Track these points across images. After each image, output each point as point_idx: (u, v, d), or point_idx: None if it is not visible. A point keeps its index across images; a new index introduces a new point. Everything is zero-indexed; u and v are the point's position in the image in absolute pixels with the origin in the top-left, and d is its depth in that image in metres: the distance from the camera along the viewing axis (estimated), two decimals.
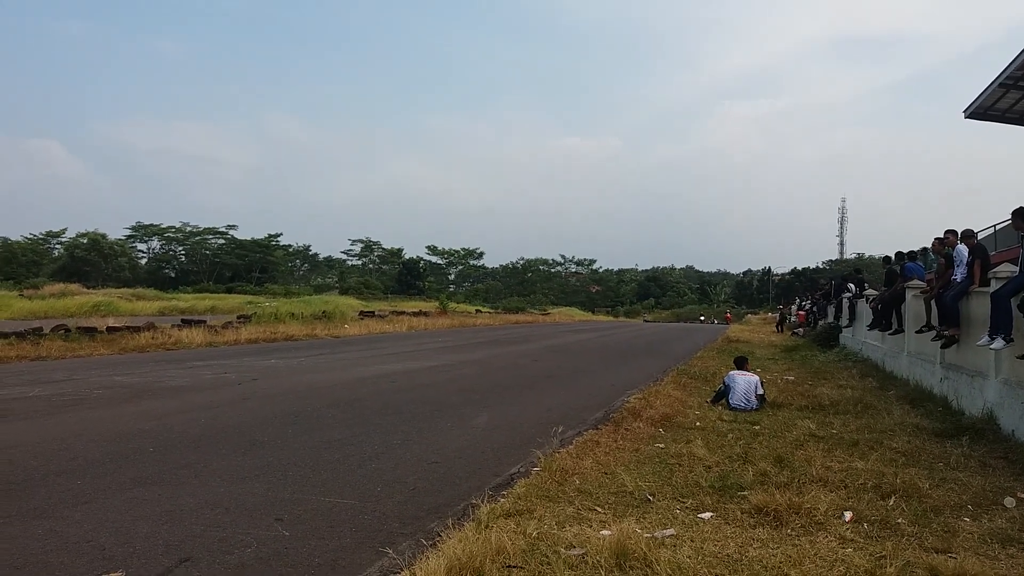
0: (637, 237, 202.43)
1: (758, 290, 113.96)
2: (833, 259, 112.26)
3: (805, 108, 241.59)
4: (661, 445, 7.64)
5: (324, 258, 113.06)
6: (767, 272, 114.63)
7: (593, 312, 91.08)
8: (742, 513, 5.19)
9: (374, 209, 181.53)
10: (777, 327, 42.31)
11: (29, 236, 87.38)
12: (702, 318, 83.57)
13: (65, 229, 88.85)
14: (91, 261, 77.32)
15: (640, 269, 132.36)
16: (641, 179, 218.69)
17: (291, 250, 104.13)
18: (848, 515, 5.12)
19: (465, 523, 4.86)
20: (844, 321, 23.91)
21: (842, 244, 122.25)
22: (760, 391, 10.47)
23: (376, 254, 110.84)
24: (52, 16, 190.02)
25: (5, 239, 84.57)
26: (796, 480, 6.09)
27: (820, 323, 30.92)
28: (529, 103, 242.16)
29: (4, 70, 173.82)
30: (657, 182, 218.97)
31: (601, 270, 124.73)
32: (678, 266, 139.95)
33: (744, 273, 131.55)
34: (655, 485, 6.00)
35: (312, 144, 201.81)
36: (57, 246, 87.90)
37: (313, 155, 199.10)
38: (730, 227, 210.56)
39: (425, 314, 43.36)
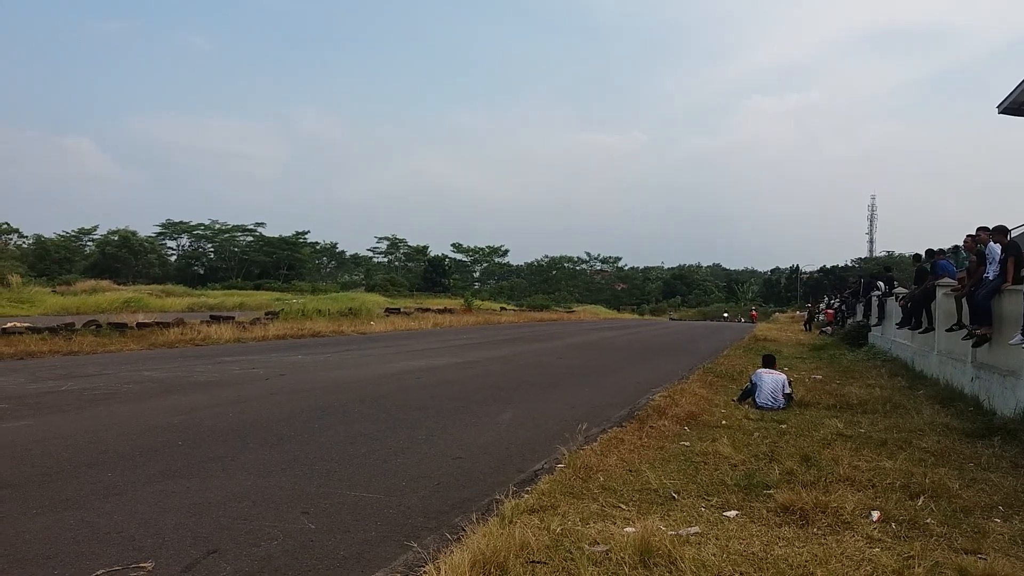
0: (663, 234, 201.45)
1: (786, 288, 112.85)
2: (862, 257, 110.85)
3: (835, 102, 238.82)
4: (686, 443, 7.60)
5: (351, 255, 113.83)
6: (795, 270, 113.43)
7: (619, 310, 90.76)
8: (768, 511, 5.16)
9: (400, 206, 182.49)
10: (805, 326, 41.87)
11: (62, 233, 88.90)
12: (725, 315, 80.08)
13: (97, 226, 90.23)
14: (122, 258, 78.47)
15: (666, 267, 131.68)
16: (667, 175, 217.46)
17: (318, 247, 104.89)
18: (876, 515, 5.07)
19: (489, 518, 4.88)
20: (873, 320, 23.62)
21: (871, 242, 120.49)
22: (788, 390, 10.38)
23: (402, 251, 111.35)
24: (87, 15, 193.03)
25: (39, 236, 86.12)
26: (823, 479, 6.04)
27: (849, 322, 30.56)
28: (554, 99, 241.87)
29: (39, 68, 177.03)
30: (684, 178, 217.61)
31: (627, 268, 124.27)
32: (705, 264, 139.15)
33: (772, 271, 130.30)
34: (680, 483, 5.98)
35: (340, 141, 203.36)
36: (89, 243, 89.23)
37: (340, 152, 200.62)
38: (758, 224, 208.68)
39: (450, 311, 43.48)
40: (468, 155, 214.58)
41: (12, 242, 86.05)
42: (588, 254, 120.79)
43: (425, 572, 3.91)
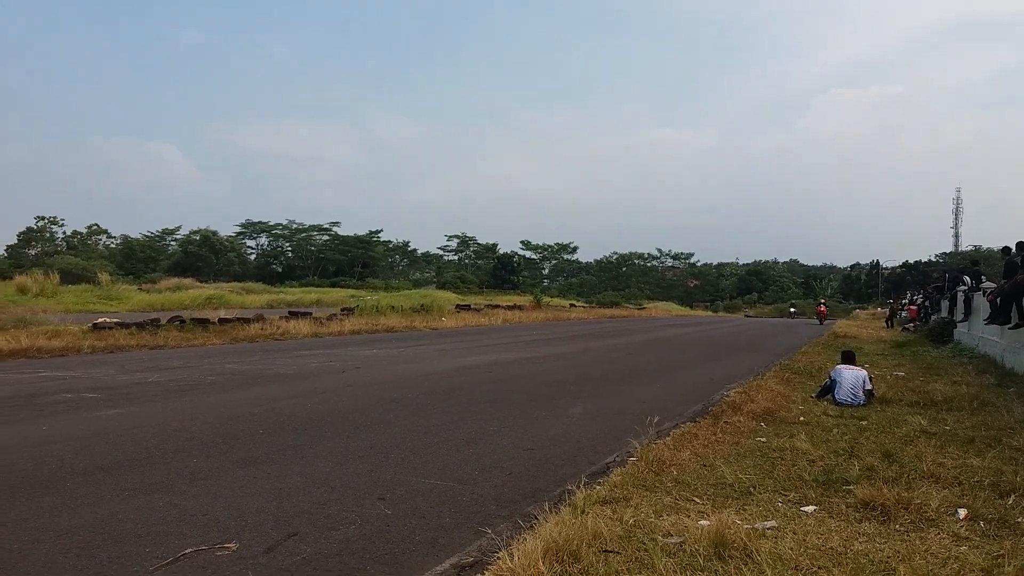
0: (738, 230, 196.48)
1: (866, 284, 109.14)
2: (947, 251, 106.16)
3: (919, 94, 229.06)
4: (762, 439, 7.45)
5: (422, 253, 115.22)
6: (876, 266, 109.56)
7: (691, 307, 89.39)
8: (847, 507, 5.02)
9: (470, 205, 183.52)
10: (887, 322, 40.47)
11: (147, 233, 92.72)
12: (793, 310, 67.49)
13: (180, 227, 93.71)
14: (203, 257, 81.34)
15: (741, 263, 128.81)
16: (742, 170, 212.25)
17: (391, 246, 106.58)
18: (962, 512, 4.87)
19: (561, 508, 4.89)
20: (959, 316, 22.63)
21: (957, 236, 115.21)
22: (868, 386, 10.06)
23: (472, 249, 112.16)
24: (170, 26, 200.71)
25: (126, 236, 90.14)
26: (905, 475, 5.84)
27: (933, 318, 29.38)
28: (626, 95, 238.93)
29: (127, 77, 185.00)
30: (759, 173, 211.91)
31: (699, 264, 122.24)
32: (781, 260, 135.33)
33: (851, 267, 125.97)
34: (756, 478, 5.87)
35: (411, 142, 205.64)
36: (172, 243, 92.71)
37: (412, 153, 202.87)
38: (837, 219, 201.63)
39: (519, 308, 43.63)
40: (538, 153, 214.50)
41: (101, 242, 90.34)
42: (659, 250, 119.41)
43: (499, 558, 3.95)
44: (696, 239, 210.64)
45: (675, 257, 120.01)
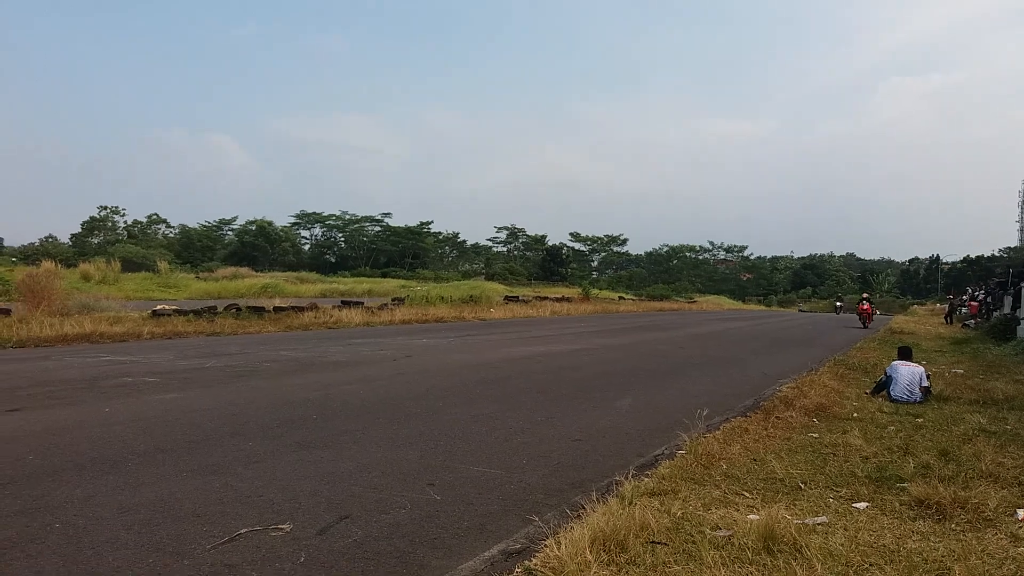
0: (792, 222, 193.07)
1: (925, 279, 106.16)
2: (1011, 246, 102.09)
3: (983, 82, 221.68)
4: (815, 434, 7.34)
5: (471, 245, 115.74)
6: (935, 260, 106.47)
7: (744, 301, 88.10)
8: (901, 505, 4.93)
9: (519, 196, 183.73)
10: (946, 319, 39.30)
11: (204, 223, 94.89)
12: (839, 304, 55.96)
13: (236, 217, 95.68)
14: (259, 247, 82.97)
15: (795, 256, 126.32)
16: (797, 161, 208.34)
17: (441, 237, 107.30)
18: (1022, 513, 4.74)
19: (609, 498, 4.90)
20: (1023, 313, 21.89)
21: (1022, 230, 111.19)
22: (925, 383, 9.82)
23: (520, 241, 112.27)
24: (227, 21, 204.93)
25: (183, 226, 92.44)
26: (962, 474, 5.69)
27: (995, 315, 28.45)
28: (678, 85, 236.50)
29: (184, 70, 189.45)
30: (815, 164, 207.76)
31: (753, 257, 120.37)
32: (837, 253, 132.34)
33: (910, 261, 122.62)
34: (807, 473, 5.79)
35: (463, 133, 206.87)
36: (228, 232, 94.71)
37: (463, 144, 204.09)
38: (895, 212, 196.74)
39: (568, 300, 43.54)
40: (589, 144, 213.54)
41: (161, 231, 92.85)
42: (711, 243, 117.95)
43: (546, 545, 3.98)
44: (750, 231, 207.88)
45: (728, 250, 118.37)
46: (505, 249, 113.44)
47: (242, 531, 4.34)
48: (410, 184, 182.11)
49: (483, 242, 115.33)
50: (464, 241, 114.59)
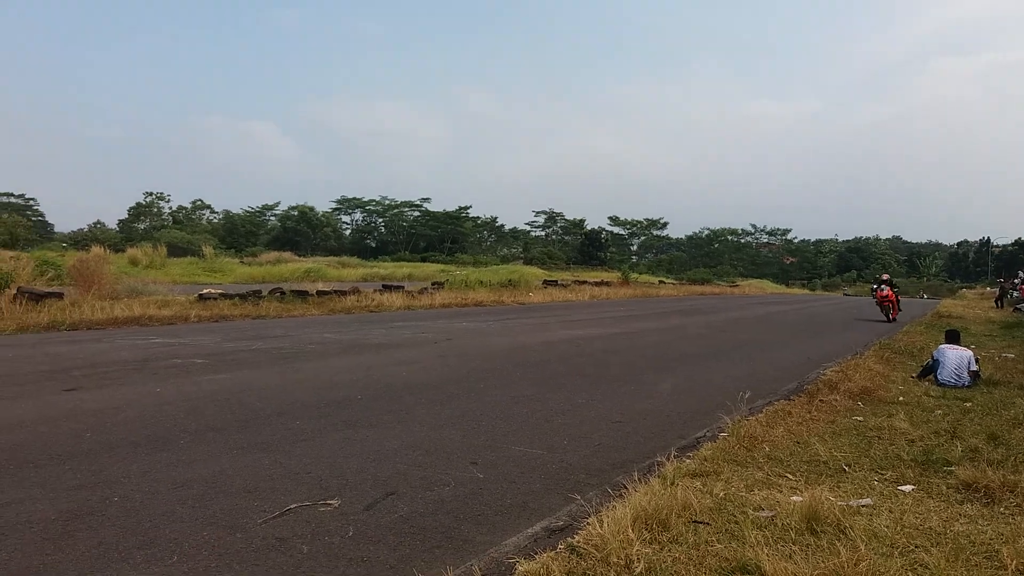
0: (837, 205, 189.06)
1: (975, 263, 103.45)
2: None
3: None
4: (859, 418, 7.27)
5: (509, 229, 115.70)
6: (985, 243, 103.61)
7: (787, 285, 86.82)
8: (947, 488, 4.87)
9: (558, 180, 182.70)
10: (996, 303, 38.26)
11: (248, 209, 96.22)
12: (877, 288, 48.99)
13: (279, 202, 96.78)
14: (301, 232, 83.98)
15: (840, 239, 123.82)
16: (842, 143, 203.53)
17: (479, 222, 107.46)
18: None
19: (651, 478, 4.92)
20: None
21: None
22: (974, 367, 9.63)
23: (559, 225, 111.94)
24: (267, 6, 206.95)
25: (227, 211, 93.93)
26: (1012, 458, 5.60)
27: None
28: (720, 67, 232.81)
29: (227, 57, 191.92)
30: (860, 146, 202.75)
31: (796, 240, 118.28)
32: (883, 236, 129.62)
33: (958, 244, 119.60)
34: (851, 456, 5.75)
35: (501, 118, 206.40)
36: (271, 218, 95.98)
37: (501, 128, 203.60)
38: (943, 194, 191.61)
39: (607, 284, 43.36)
40: (628, 128, 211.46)
41: (205, 217, 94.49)
42: (753, 226, 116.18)
43: (588, 523, 4.03)
44: (793, 214, 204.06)
45: (770, 233, 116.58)
46: (543, 233, 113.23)
47: (292, 506, 4.46)
48: (448, 168, 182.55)
49: (521, 226, 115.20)
50: (502, 225, 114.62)
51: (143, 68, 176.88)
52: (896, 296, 24.59)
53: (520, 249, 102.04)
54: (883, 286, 24.30)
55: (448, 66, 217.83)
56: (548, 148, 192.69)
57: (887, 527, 4.06)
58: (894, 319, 23.90)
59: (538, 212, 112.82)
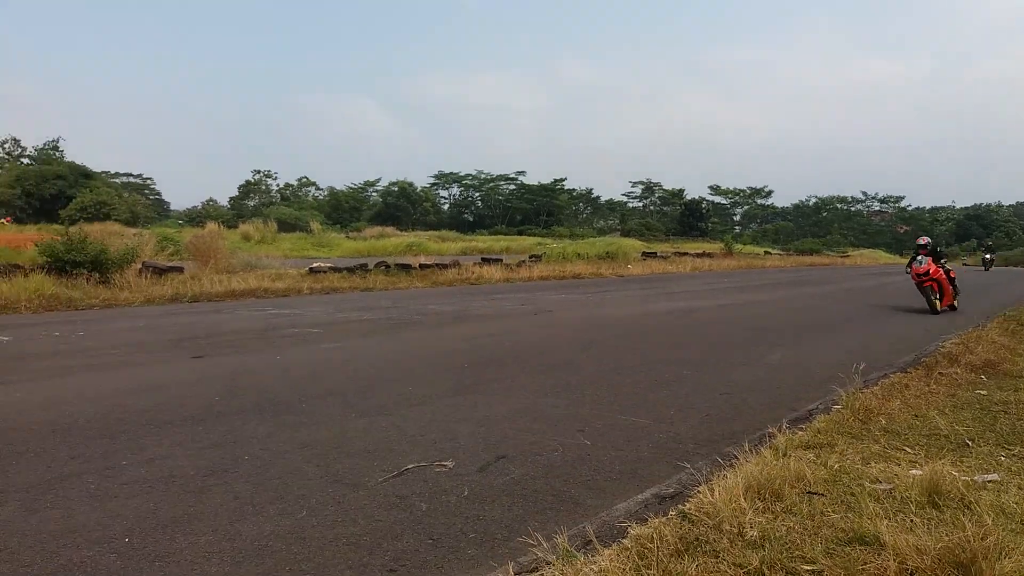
0: (955, 171, 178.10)
1: None
2: None
3: None
4: (982, 391, 6.93)
5: (605, 201, 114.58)
6: None
7: (901, 254, 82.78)
8: None
9: (655, 150, 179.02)
10: None
11: (351, 185, 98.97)
12: (988, 257, 47.02)
13: (379, 179, 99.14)
14: (401, 207, 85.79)
15: (958, 207, 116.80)
16: (959, 103, 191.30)
17: (575, 194, 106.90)
18: None
19: (762, 449, 4.87)
20: None
21: None
22: None
23: (657, 196, 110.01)
24: None
25: (331, 188, 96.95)
26: None
27: None
28: (827, 26, 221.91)
29: (326, 36, 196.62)
30: (981, 107, 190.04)
31: (910, 208, 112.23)
32: (1006, 203, 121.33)
33: None
34: (974, 431, 5.51)
35: (596, 87, 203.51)
36: (372, 194, 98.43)
37: (596, 98, 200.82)
38: None
39: (709, 255, 42.51)
40: (729, 92, 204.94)
41: (310, 193, 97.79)
42: (864, 193, 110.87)
43: (699, 492, 4.04)
44: (907, 181, 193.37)
45: (882, 201, 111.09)
46: (640, 205, 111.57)
47: (409, 467, 4.66)
48: (543, 140, 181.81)
49: (617, 198, 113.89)
50: (598, 197, 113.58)
51: (249, 50, 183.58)
52: (947, 273, 15.83)
53: (617, 221, 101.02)
54: (920, 258, 15.48)
55: (544, 35, 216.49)
56: (645, 117, 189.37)
57: (1017, 503, 3.90)
58: (948, 308, 15.82)
59: (635, 183, 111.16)
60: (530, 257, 31.53)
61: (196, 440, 5.27)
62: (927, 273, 15.26)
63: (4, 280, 14.87)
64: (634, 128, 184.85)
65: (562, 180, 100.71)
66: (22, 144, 76.99)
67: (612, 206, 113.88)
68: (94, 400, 6.52)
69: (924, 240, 16.10)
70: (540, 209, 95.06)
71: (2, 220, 46.35)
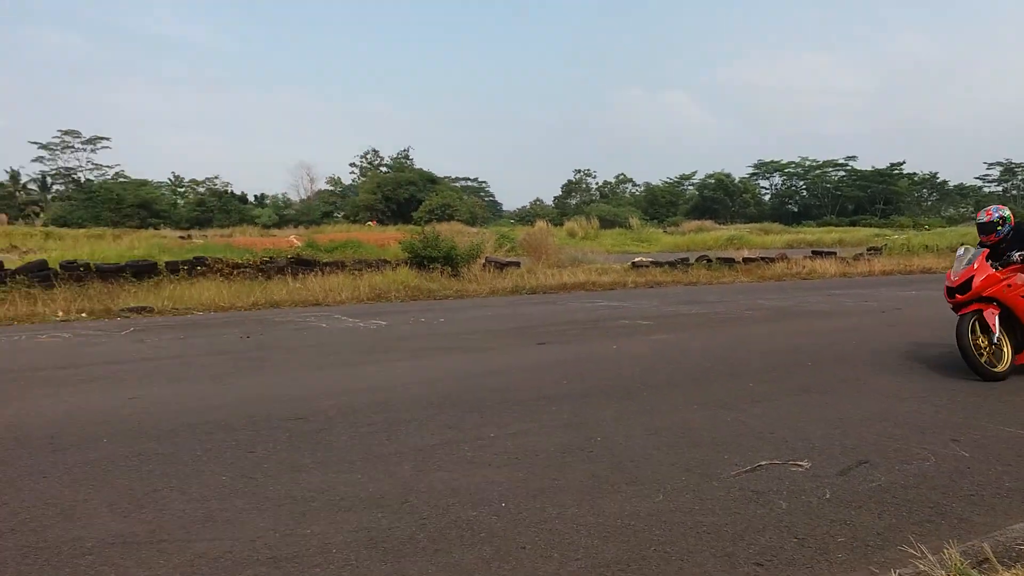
0: None
1: None
2: None
3: None
4: None
5: (955, 186, 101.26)
6: None
7: None
8: None
9: (1015, 126, 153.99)
10: None
11: (666, 180, 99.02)
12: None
13: (695, 172, 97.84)
14: (719, 199, 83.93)
15: None
16: None
17: (915, 179, 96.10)
18: None
19: None
20: None
21: None
22: None
23: (1020, 178, 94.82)
24: None
25: (647, 183, 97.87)
26: None
27: None
28: None
29: (638, 30, 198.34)
30: None
31: None
32: None
33: None
34: None
35: (935, 57, 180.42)
36: (689, 187, 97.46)
37: (936, 71, 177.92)
38: None
39: None
40: None
41: (627, 190, 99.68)
42: None
43: None
44: None
45: None
46: (999, 189, 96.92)
47: (761, 463, 4.56)
48: (875, 122, 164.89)
49: (969, 182, 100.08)
50: (945, 182, 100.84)
51: (569, 56, 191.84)
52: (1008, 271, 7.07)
53: (970, 208, 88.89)
54: (970, 253, 7.34)
55: (870, 9, 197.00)
56: (999, 87, 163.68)
57: None
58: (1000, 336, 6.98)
59: (991, 164, 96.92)
60: (868, 250, 29.02)
61: (551, 419, 5.66)
62: (969, 285, 7.09)
63: (378, 273, 17.31)
64: (987, 101, 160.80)
65: (900, 164, 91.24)
66: (380, 154, 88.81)
67: (963, 191, 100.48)
68: (461, 378, 7.34)
69: (992, 214, 7.43)
70: (875, 196, 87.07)
71: (368, 223, 53.98)
